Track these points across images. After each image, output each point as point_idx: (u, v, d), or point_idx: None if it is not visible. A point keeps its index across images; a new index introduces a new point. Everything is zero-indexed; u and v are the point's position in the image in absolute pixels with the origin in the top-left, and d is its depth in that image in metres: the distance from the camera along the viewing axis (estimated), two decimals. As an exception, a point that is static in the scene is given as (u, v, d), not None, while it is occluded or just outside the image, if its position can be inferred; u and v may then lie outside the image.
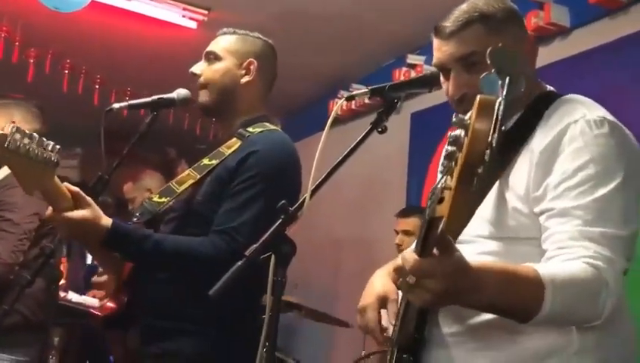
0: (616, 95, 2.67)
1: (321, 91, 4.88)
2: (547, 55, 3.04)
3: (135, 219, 1.74)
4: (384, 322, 1.32)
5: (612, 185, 1.15)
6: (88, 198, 1.58)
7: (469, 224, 0.87)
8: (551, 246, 1.15)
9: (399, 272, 1.00)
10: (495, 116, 0.76)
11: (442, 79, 1.33)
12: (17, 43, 4.31)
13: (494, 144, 0.75)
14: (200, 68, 1.89)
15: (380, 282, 1.34)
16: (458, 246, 0.95)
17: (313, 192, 1.31)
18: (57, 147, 1.50)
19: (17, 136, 1.44)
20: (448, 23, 1.27)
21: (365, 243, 4.35)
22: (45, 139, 1.50)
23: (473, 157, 0.75)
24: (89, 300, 2.86)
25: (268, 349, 1.25)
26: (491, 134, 0.76)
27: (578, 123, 1.19)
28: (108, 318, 1.77)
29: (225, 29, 1.94)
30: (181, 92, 1.86)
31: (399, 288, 1.33)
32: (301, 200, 1.31)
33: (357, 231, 4.52)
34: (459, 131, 0.79)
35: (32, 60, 4.49)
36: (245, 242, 1.55)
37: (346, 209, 4.66)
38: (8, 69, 4.33)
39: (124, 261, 1.74)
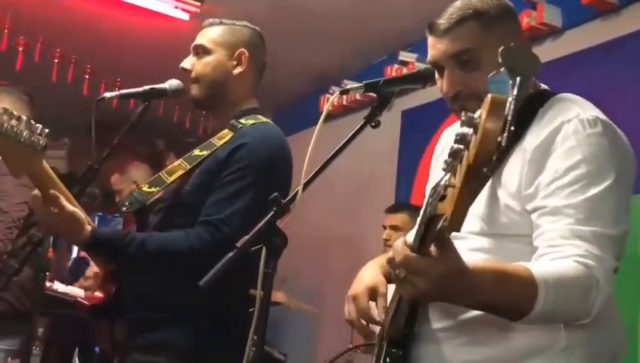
0: (608, 96, 2.69)
1: (313, 87, 4.87)
2: (539, 55, 3.05)
3: (124, 209, 1.73)
4: (373, 314, 1.32)
5: (604, 185, 1.16)
6: (68, 206, 1.56)
7: None
8: (542, 243, 1.16)
9: (390, 263, 1.01)
10: (505, 116, 0.76)
11: (436, 75, 1.33)
12: (6, 30, 4.26)
13: (503, 144, 0.74)
14: (190, 63, 1.86)
15: (371, 274, 1.34)
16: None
17: (306, 185, 1.31)
18: (46, 130, 1.48)
19: (5, 118, 1.43)
20: (442, 20, 1.27)
21: (353, 239, 4.35)
22: (33, 122, 1.48)
23: (482, 157, 0.74)
24: (75, 290, 2.84)
25: (258, 340, 1.25)
26: (501, 134, 0.75)
27: (571, 122, 1.19)
28: (95, 308, 1.76)
29: (210, 20, 1.91)
30: (173, 83, 1.84)
31: (389, 281, 1.34)
32: (293, 193, 1.31)
33: (346, 227, 4.53)
34: (467, 130, 0.78)
35: (21, 49, 4.44)
36: (232, 233, 1.56)
37: (336, 205, 4.66)
38: (-4, 56, 4.30)
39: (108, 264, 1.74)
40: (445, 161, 0.86)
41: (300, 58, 4.47)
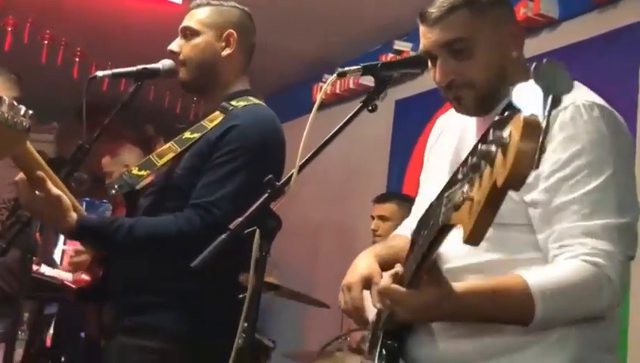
0: (604, 88, 2.68)
1: (306, 75, 4.84)
2: (535, 46, 3.03)
3: (113, 191, 1.70)
4: (368, 304, 1.31)
5: (606, 174, 1.14)
6: (56, 190, 1.52)
7: None
8: (553, 244, 1.16)
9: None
10: (540, 137, 0.73)
11: (429, 65, 1.32)
12: (-6, 10, 4.21)
13: (536, 168, 0.73)
14: (177, 45, 1.82)
15: (366, 263, 1.32)
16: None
17: (301, 168, 1.29)
18: (30, 112, 1.44)
19: None
20: (433, 9, 1.26)
21: (344, 227, 4.35)
22: (16, 103, 1.44)
23: (514, 179, 0.72)
24: (63, 274, 2.81)
25: (248, 325, 1.23)
26: (535, 156, 0.72)
27: (568, 109, 1.18)
28: (82, 291, 1.73)
29: (198, 1, 1.87)
30: (166, 63, 1.81)
31: (384, 271, 1.32)
32: (288, 175, 1.29)
33: (337, 215, 4.52)
34: (493, 147, 0.75)
35: (10, 29, 4.37)
36: (222, 216, 1.54)
37: (327, 194, 4.65)
38: (-15, 37, 4.24)
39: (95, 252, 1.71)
40: (463, 171, 0.84)
41: (294, 46, 4.43)
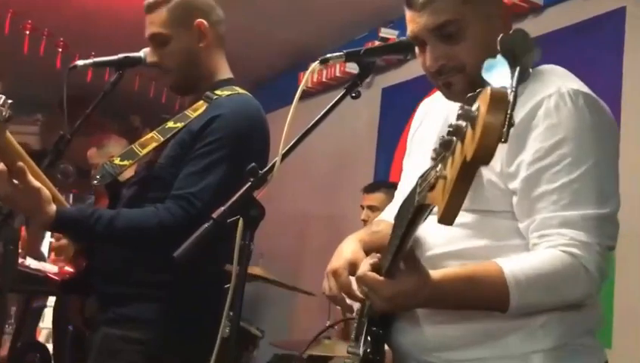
0: (588, 74, 2.69)
1: (291, 63, 4.82)
2: (519, 32, 3.04)
3: (94, 182, 1.67)
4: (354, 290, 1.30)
5: (587, 164, 1.14)
6: (35, 182, 1.50)
7: None
8: (532, 234, 1.16)
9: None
10: (506, 110, 0.73)
11: (417, 51, 1.30)
12: (-27, 1, 4.14)
13: (504, 140, 0.72)
14: (155, 56, 1.77)
15: (351, 248, 1.31)
16: (432, 216, 0.94)
17: (284, 156, 1.28)
18: (10, 101, 1.42)
19: None
20: None
21: (332, 216, 4.35)
22: None
23: (482, 153, 0.72)
24: (48, 267, 2.79)
25: (233, 315, 1.22)
26: (502, 129, 0.72)
27: (552, 97, 1.17)
28: (66, 283, 1.72)
29: (149, 1, 1.77)
30: (148, 51, 1.79)
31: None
32: (271, 164, 1.27)
33: (325, 204, 4.52)
34: (462, 122, 0.75)
35: (-10, 20, 4.32)
36: (204, 207, 1.53)
37: (315, 183, 4.65)
38: (-35, 28, 4.18)
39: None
40: (435, 150, 0.83)
41: (280, 35, 4.41)
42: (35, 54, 4.57)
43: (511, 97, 0.73)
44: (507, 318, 1.15)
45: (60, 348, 3.79)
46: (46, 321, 4.95)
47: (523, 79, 0.78)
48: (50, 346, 4.14)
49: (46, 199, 1.51)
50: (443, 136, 0.80)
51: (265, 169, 1.27)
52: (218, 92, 1.76)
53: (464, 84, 1.24)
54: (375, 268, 1.14)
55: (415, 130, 1.50)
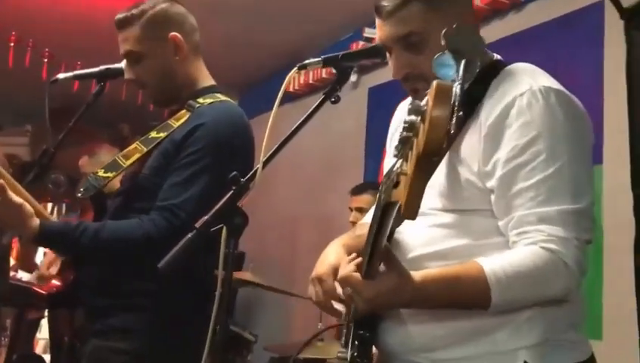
0: (570, 68, 2.71)
1: (279, 66, 4.81)
2: (501, 29, 3.05)
3: (79, 195, 1.67)
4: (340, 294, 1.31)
5: (562, 159, 1.16)
6: (15, 197, 1.50)
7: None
8: (512, 231, 1.17)
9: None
10: (452, 102, 0.75)
11: (388, 56, 1.32)
12: (-44, 14, 4.13)
13: (452, 131, 0.74)
14: (131, 73, 1.77)
15: (335, 254, 1.32)
16: None
17: (265, 163, 1.29)
18: None
19: None
20: (387, 2, 1.25)
21: (322, 219, 4.35)
22: None
23: (432, 145, 0.74)
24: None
25: (221, 323, 1.23)
26: (449, 121, 0.74)
27: (524, 96, 1.18)
28: (53, 297, 1.72)
29: (120, 17, 1.76)
30: (125, 67, 1.78)
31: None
32: (253, 171, 1.28)
33: (315, 207, 4.52)
34: (415, 117, 0.77)
35: (-27, 33, 4.31)
36: (188, 218, 1.53)
37: (304, 185, 4.65)
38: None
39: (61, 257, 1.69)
40: (396, 147, 0.85)
41: (266, 37, 4.41)
42: (20, 65, 4.56)
43: (457, 90, 0.75)
44: (492, 315, 1.16)
45: (57, 359, 3.78)
46: (43, 332, 4.94)
47: (470, 72, 0.80)
48: (47, 357, 4.14)
49: (28, 213, 1.51)
50: (402, 132, 0.81)
51: (247, 177, 1.27)
52: (200, 100, 1.75)
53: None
54: (359, 269, 1.15)
55: (393, 133, 1.52)
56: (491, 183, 1.19)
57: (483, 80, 1.24)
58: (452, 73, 0.81)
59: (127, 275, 1.66)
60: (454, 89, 0.76)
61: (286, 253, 4.68)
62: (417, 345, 1.23)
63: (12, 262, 3.35)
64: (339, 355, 1.30)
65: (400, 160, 0.84)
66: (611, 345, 2.37)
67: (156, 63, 1.74)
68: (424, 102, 0.76)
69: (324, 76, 4.32)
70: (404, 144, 0.82)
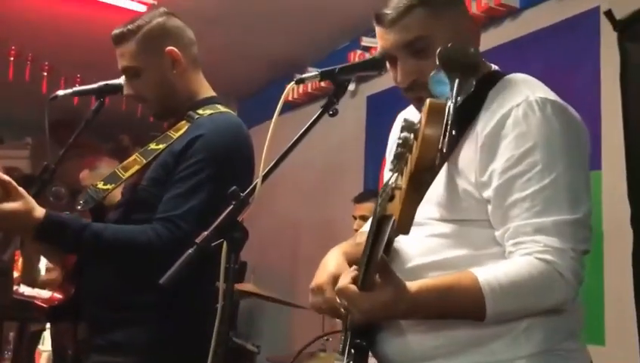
0: (566, 74, 2.73)
1: (277, 75, 4.84)
2: (497, 36, 3.07)
3: (78, 207, 1.67)
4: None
5: (558, 170, 1.16)
6: (21, 189, 1.49)
7: (419, 207, 0.87)
8: (508, 242, 1.18)
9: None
10: (445, 121, 0.76)
11: (389, 66, 1.32)
12: (-44, 29, 4.15)
13: (444, 150, 0.75)
14: (130, 88, 1.77)
15: (335, 262, 1.32)
16: (412, 228, 0.96)
17: (265, 177, 1.29)
18: None
19: None
20: (389, 10, 1.26)
21: (323, 227, 4.35)
22: None
23: (423, 163, 0.76)
24: (43, 293, 2.79)
25: (223, 335, 1.23)
26: (441, 140, 0.75)
27: (520, 106, 1.19)
28: (55, 310, 1.71)
29: (116, 32, 1.75)
30: (124, 82, 1.79)
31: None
32: (252, 186, 1.29)
33: (315, 215, 4.52)
34: (408, 134, 0.79)
35: (-27, 48, 4.34)
36: (189, 230, 1.53)
37: (305, 194, 4.66)
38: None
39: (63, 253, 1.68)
40: (392, 161, 0.87)
41: (264, 47, 4.43)
42: (20, 78, 4.58)
43: (450, 109, 0.76)
44: (490, 325, 1.16)
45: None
46: (46, 344, 4.93)
47: (465, 91, 0.82)
48: (51, 370, 4.13)
49: (29, 207, 1.49)
50: (398, 148, 0.83)
51: (246, 192, 1.28)
52: (200, 111, 1.75)
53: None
54: (355, 281, 1.15)
55: (393, 142, 1.52)
56: (487, 193, 1.20)
57: (479, 91, 1.25)
58: (448, 91, 0.82)
59: (129, 287, 1.66)
60: (447, 108, 0.76)
61: (287, 262, 4.68)
62: (416, 355, 1.23)
63: (15, 274, 3.37)
64: (335, 362, 1.31)
65: (396, 174, 0.85)
66: (614, 350, 2.37)
67: (154, 77, 1.74)
68: (417, 120, 0.77)
69: (322, 85, 4.34)
70: (399, 159, 0.83)
